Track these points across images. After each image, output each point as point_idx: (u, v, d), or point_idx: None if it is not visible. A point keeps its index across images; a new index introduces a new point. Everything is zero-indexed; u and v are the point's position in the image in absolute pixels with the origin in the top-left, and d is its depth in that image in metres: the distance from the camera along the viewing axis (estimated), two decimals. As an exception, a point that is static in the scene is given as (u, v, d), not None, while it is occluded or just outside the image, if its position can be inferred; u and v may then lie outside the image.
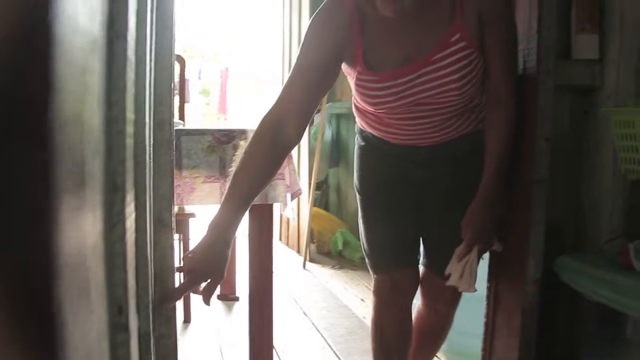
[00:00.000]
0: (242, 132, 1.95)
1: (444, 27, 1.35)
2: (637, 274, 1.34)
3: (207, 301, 1.27)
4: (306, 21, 3.29)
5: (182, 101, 3.14)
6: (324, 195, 4.83)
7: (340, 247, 4.13)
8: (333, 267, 3.97)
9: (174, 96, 1.22)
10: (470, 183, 1.45)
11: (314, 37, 1.39)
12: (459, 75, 1.34)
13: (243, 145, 1.79)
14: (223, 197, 1.29)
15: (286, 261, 4.16)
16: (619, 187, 1.64)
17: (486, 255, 1.75)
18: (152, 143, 0.98)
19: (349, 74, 1.46)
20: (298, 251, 4.37)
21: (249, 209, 1.29)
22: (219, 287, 3.33)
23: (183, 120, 3.04)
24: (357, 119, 1.61)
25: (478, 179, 1.43)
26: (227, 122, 10.16)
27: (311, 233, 4.24)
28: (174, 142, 1.77)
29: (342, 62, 1.42)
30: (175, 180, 1.71)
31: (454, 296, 1.63)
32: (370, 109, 1.46)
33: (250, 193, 1.29)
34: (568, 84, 1.68)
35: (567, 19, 1.66)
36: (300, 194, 2.01)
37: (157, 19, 0.91)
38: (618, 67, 1.61)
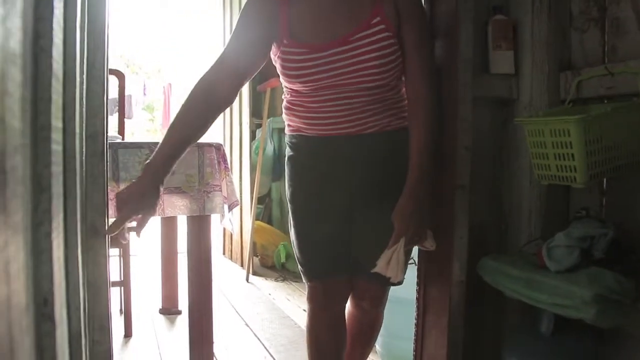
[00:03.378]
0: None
1: (366, 10, 1.49)
2: (549, 271, 1.45)
3: (138, 234, 1.45)
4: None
5: (122, 116, 3.10)
6: (267, 209, 4.87)
7: (283, 259, 4.17)
8: (276, 279, 4.01)
9: (107, 110, 1.26)
10: (397, 185, 1.51)
11: (246, 14, 1.54)
12: (377, 55, 1.46)
13: None
14: (160, 142, 1.44)
15: (229, 275, 4.18)
16: (535, 192, 1.76)
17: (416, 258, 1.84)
18: (84, 153, 1.01)
19: (275, 54, 1.55)
20: (242, 265, 4.39)
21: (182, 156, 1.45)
22: (161, 301, 3.29)
23: (122, 136, 3.02)
24: (286, 121, 1.66)
25: (405, 181, 1.51)
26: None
27: (254, 246, 4.26)
28: (110, 155, 1.79)
29: (273, 37, 1.54)
30: (112, 193, 1.74)
31: (379, 294, 1.69)
32: (294, 86, 1.54)
33: (183, 142, 1.45)
34: (488, 96, 1.80)
35: (485, 37, 1.78)
36: (237, 204, 2.05)
37: (88, 35, 0.95)
38: (531, 80, 1.74)
